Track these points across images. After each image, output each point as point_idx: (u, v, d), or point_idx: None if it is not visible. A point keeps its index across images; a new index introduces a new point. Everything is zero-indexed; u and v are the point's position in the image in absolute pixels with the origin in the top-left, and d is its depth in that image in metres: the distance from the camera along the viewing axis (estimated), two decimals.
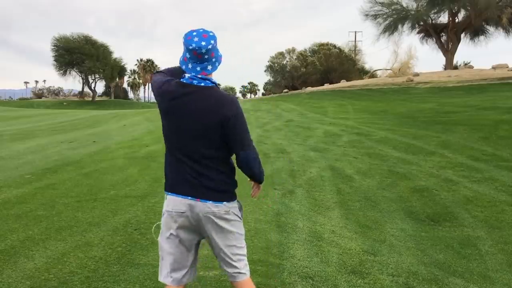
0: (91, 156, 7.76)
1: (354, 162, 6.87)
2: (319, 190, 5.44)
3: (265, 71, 49.70)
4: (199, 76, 1.84)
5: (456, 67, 36.63)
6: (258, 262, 3.27)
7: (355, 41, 54.61)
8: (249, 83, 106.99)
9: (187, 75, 1.86)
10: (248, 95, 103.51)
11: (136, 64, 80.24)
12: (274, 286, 2.90)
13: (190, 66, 1.85)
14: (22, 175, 6.07)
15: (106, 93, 79.10)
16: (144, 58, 78.41)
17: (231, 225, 1.91)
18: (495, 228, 4.15)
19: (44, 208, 4.50)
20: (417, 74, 27.63)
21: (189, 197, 1.85)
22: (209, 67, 1.87)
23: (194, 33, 1.82)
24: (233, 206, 1.94)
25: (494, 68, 26.25)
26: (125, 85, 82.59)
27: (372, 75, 41.03)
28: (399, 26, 35.65)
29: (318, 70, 45.09)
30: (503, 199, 4.93)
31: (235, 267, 1.94)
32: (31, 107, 41.21)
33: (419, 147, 7.63)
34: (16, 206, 4.53)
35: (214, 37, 1.83)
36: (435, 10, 33.87)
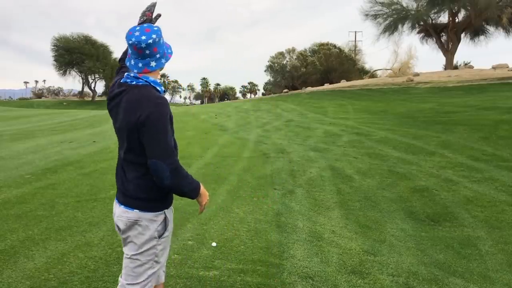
0: (91, 156, 7.76)
1: (354, 162, 6.87)
2: (319, 190, 5.43)
3: (265, 71, 49.68)
4: (132, 74, 1.75)
5: (456, 67, 36.61)
6: (258, 262, 3.27)
7: (355, 41, 54.62)
8: (249, 83, 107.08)
9: (126, 74, 1.79)
10: (248, 95, 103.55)
11: None
12: (274, 286, 2.90)
13: (132, 62, 1.75)
14: (22, 175, 6.07)
15: (106, 93, 78.94)
16: None
17: (134, 235, 1.77)
18: (495, 228, 4.15)
19: (44, 208, 4.50)
20: (417, 74, 27.62)
21: (116, 199, 1.86)
22: (153, 63, 1.75)
23: (137, 28, 1.73)
24: (145, 217, 1.76)
25: (494, 68, 26.24)
26: None
27: (372, 75, 41.01)
28: (399, 26, 35.63)
29: (318, 70, 45.08)
30: (503, 199, 4.92)
31: (122, 277, 1.84)
32: (31, 107, 41.20)
33: (419, 147, 7.63)
34: (16, 206, 4.53)
35: (157, 32, 1.72)
36: (435, 10, 33.86)
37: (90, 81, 57.29)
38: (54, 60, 52.88)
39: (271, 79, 51.01)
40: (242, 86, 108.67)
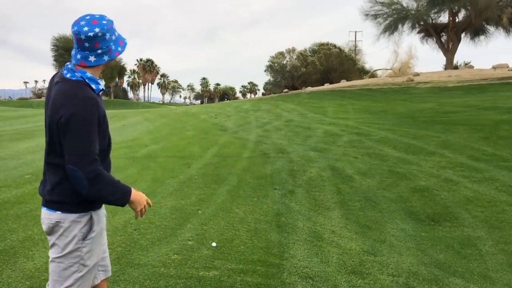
0: None
1: (354, 162, 6.87)
2: (319, 190, 5.43)
3: (265, 71, 49.67)
4: (70, 66, 1.64)
5: (456, 67, 36.61)
6: (258, 262, 3.27)
7: (355, 41, 54.60)
8: (249, 83, 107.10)
9: (66, 64, 1.68)
10: (248, 95, 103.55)
11: (135, 64, 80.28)
12: (274, 286, 2.90)
13: (73, 52, 1.64)
14: (21, 175, 6.07)
15: (105, 93, 79.06)
16: (144, 58, 78.47)
17: (57, 238, 1.66)
18: (495, 228, 4.15)
19: None
20: (417, 74, 27.61)
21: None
22: (91, 58, 1.61)
23: (87, 17, 1.61)
24: (68, 218, 1.65)
25: (494, 68, 26.23)
26: (124, 85, 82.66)
27: (372, 75, 41.00)
28: (399, 26, 35.61)
29: (318, 70, 45.07)
30: (504, 199, 4.92)
31: (49, 282, 1.73)
32: (31, 107, 41.20)
33: (419, 147, 7.62)
34: (15, 206, 4.53)
35: (103, 26, 1.59)
36: (435, 10, 33.85)
37: None
38: (54, 60, 52.89)
39: (271, 79, 51.00)
40: (242, 86, 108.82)
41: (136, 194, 1.73)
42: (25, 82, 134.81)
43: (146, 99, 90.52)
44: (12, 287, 2.77)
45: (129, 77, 79.93)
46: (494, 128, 8.57)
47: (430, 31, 35.66)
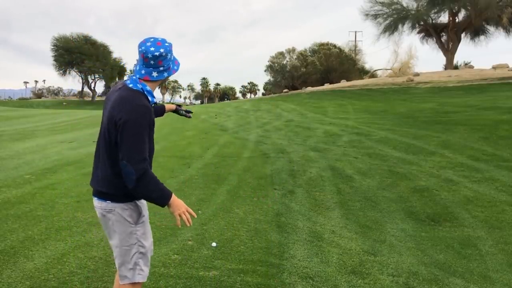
0: (91, 156, 7.74)
1: (354, 162, 6.87)
2: (319, 190, 5.43)
3: (265, 71, 49.63)
4: (134, 78, 1.91)
5: (456, 67, 36.60)
6: (258, 262, 3.27)
7: (355, 41, 54.60)
8: (249, 83, 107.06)
9: (130, 76, 1.97)
10: (248, 95, 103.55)
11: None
12: (274, 286, 2.90)
13: (137, 68, 1.92)
14: (21, 175, 6.07)
15: (105, 93, 78.97)
16: None
17: (113, 224, 1.92)
18: (495, 228, 4.15)
19: (44, 208, 4.50)
20: (417, 74, 27.60)
21: (93, 192, 2.00)
22: (154, 74, 1.90)
23: (151, 39, 1.89)
24: (118, 206, 1.90)
25: (494, 68, 26.23)
26: None
27: (372, 75, 41.00)
28: (399, 26, 35.61)
29: (318, 70, 45.04)
30: (504, 199, 4.92)
31: (116, 266, 1.98)
32: (31, 107, 41.20)
33: (419, 147, 7.62)
34: (15, 206, 4.53)
35: (166, 47, 1.88)
36: (435, 10, 33.84)
37: (90, 81, 57.28)
38: (54, 60, 52.90)
39: (271, 79, 50.97)
40: (242, 86, 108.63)
41: (176, 200, 1.91)
42: (25, 82, 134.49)
43: None
44: (12, 287, 2.77)
45: (129, 77, 79.98)
46: (494, 128, 8.57)
47: (430, 31, 35.66)
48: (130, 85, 1.88)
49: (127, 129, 1.76)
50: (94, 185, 1.96)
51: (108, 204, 1.90)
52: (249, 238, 3.78)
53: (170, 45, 1.92)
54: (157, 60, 1.86)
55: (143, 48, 1.85)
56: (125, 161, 1.76)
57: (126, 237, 1.92)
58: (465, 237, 3.98)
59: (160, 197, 1.85)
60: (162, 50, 1.85)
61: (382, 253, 3.58)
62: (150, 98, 1.91)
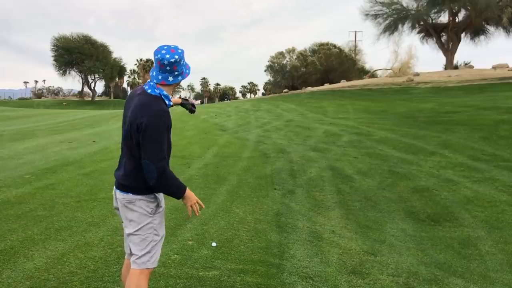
0: (91, 156, 7.76)
1: (354, 162, 6.87)
2: (319, 190, 5.43)
3: (265, 71, 49.65)
4: (152, 83, 2.08)
5: (456, 67, 36.60)
6: (258, 262, 3.27)
7: (355, 41, 54.59)
8: (249, 83, 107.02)
9: (148, 81, 2.13)
10: (248, 95, 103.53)
11: (136, 64, 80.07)
12: (274, 286, 2.90)
13: (154, 73, 2.10)
14: (21, 175, 6.06)
15: (105, 93, 79.08)
16: (144, 58, 78.14)
17: (132, 214, 2.10)
18: (495, 228, 4.15)
19: (44, 208, 4.49)
20: (417, 74, 27.60)
21: (115, 184, 2.22)
22: (170, 78, 2.08)
23: (165, 47, 2.06)
24: (138, 198, 2.09)
25: (494, 68, 26.24)
26: (124, 85, 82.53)
27: (372, 75, 41.01)
28: (399, 26, 35.61)
29: (318, 70, 45.05)
30: (504, 199, 4.92)
31: (130, 254, 2.18)
32: (31, 107, 41.18)
33: (419, 147, 7.62)
34: (15, 206, 4.53)
35: (180, 54, 2.05)
36: (435, 10, 33.84)
37: (90, 81, 57.19)
38: (54, 60, 52.81)
39: (271, 79, 51.00)
40: (242, 86, 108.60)
41: (189, 193, 2.15)
42: (25, 82, 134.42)
43: None
44: (12, 287, 2.77)
45: (129, 77, 79.72)
46: (494, 128, 8.57)
47: (430, 31, 35.65)
48: (149, 91, 2.06)
49: (148, 132, 1.95)
50: (118, 178, 2.17)
51: (130, 196, 2.09)
52: (249, 238, 3.78)
53: (183, 51, 2.10)
54: (172, 66, 2.03)
55: (159, 56, 2.02)
56: (147, 160, 1.97)
57: (144, 227, 2.10)
58: (465, 237, 3.98)
59: (177, 191, 2.09)
60: (176, 57, 2.03)
61: (382, 253, 3.58)
62: (167, 102, 2.09)
